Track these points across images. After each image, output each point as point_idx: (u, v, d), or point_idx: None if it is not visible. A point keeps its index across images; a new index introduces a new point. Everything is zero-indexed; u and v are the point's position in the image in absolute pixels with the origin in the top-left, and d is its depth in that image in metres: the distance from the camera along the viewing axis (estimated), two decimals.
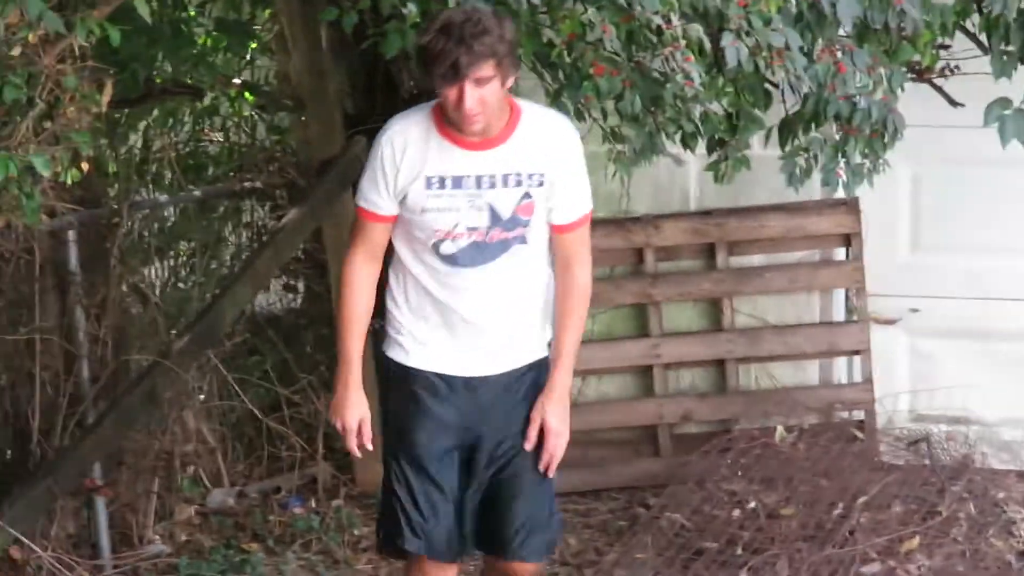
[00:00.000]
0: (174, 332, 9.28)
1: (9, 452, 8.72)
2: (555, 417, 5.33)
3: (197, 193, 10.18)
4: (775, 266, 10.75)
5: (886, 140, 8.17)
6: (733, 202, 10.51)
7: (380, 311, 5.95)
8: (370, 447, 5.07)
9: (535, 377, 5.23)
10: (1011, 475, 10.63)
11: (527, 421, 5.17)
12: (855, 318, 10.83)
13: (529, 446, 5.32)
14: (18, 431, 8.64)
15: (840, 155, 8.22)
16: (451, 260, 4.72)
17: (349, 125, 10.11)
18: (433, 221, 4.71)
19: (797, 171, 8.31)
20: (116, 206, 8.99)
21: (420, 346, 5.03)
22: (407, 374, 5.00)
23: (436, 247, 4.72)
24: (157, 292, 9.56)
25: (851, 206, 10.78)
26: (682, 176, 10.47)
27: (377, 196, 4.92)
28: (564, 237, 5.29)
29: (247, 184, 10.34)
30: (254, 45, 10.42)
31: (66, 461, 8.52)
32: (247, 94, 10.62)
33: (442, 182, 4.67)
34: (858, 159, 8.44)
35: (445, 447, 4.99)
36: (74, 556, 8.53)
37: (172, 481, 9.39)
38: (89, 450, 8.62)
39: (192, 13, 8.93)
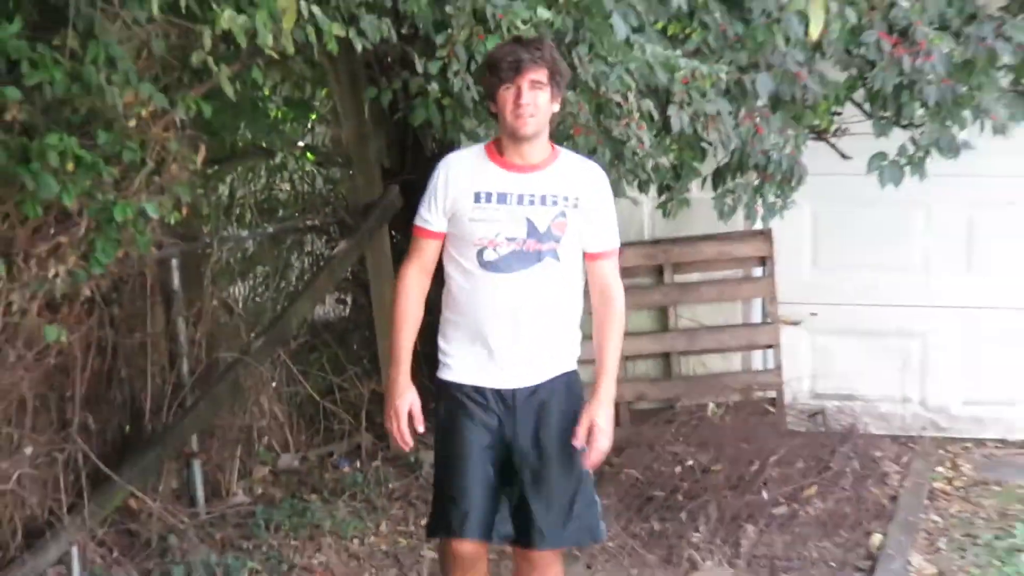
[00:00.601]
0: (253, 335, 9.47)
1: (128, 427, 8.78)
2: (603, 418, 5.12)
3: (270, 229, 10.37)
4: (708, 281, 11.03)
5: (793, 184, 8.55)
6: (677, 233, 10.72)
7: (432, 338, 5.71)
8: (420, 428, 4.92)
9: (566, 388, 5.02)
10: (886, 439, 10.89)
11: (563, 425, 4.95)
12: (768, 320, 11.09)
13: (579, 443, 5.09)
14: (134, 412, 8.72)
15: (758, 196, 8.55)
16: (492, 266, 4.61)
17: (385, 177, 10.26)
18: (478, 230, 4.62)
19: (726, 208, 8.74)
20: (208, 240, 9.17)
21: (460, 364, 4.88)
22: (450, 387, 4.87)
23: (480, 254, 4.60)
24: (240, 305, 9.77)
25: (766, 235, 11.00)
26: (638, 213, 10.56)
27: (429, 214, 4.83)
28: (598, 265, 5.13)
29: (308, 222, 10.61)
30: (314, 116, 10.51)
31: (170, 434, 8.71)
32: (308, 154, 10.81)
33: (488, 197, 4.61)
34: (772, 199, 8.77)
35: (482, 446, 4.82)
36: (176, 506, 8.76)
37: (251, 448, 9.60)
38: (187, 426, 8.86)
39: (267, 92, 8.97)
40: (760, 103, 8.29)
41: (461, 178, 4.80)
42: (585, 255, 5.10)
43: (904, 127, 8.92)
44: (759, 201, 8.83)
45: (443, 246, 4.88)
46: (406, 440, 4.91)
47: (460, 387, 4.85)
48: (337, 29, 6.72)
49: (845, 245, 11.11)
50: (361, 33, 6.90)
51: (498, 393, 4.82)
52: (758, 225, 9.35)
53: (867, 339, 11.34)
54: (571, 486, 4.87)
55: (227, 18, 6.26)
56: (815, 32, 6.39)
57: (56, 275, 7.05)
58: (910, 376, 11.47)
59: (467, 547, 4.90)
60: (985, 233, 11.22)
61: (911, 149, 8.86)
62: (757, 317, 11.31)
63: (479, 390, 4.80)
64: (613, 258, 5.24)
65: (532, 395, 4.85)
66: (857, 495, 9.53)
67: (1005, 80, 9.06)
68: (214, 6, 6.45)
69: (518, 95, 4.60)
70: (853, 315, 11.37)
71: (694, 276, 11.01)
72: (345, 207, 9.92)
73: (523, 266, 4.67)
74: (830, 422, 11.24)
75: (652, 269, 11.08)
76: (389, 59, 8.14)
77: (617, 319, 5.23)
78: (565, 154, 5.12)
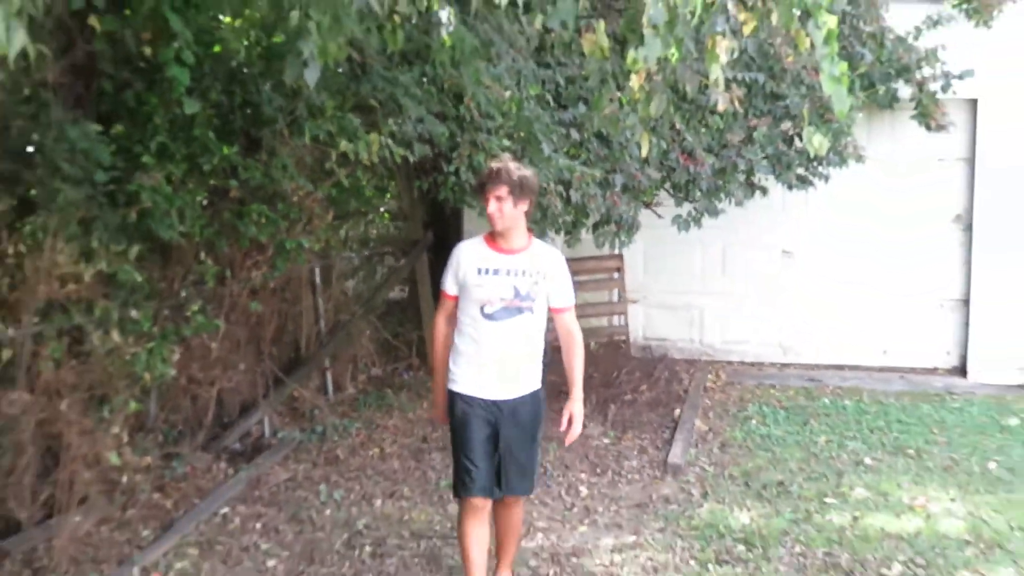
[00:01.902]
0: (357, 307, 9.97)
1: (292, 355, 9.17)
2: (577, 411, 5.17)
3: (365, 253, 10.77)
4: (591, 280, 11.25)
5: (633, 231, 8.74)
6: (576, 255, 10.05)
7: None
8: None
9: (532, 399, 5.01)
10: (682, 361, 11.30)
11: (529, 424, 5.01)
12: (621, 300, 11.47)
13: (563, 427, 5.14)
14: (296, 347, 9.20)
15: (615, 237, 8.65)
16: (490, 317, 4.63)
17: (424, 227, 10.66)
18: (480, 293, 4.63)
19: (599, 242, 8.71)
20: (334, 258, 9.55)
21: (465, 380, 4.87)
22: (458, 396, 4.86)
23: (482, 308, 4.63)
24: (350, 292, 10.18)
25: (620, 256, 11.17)
26: (556, 244, 10.04)
27: (449, 284, 4.89)
28: (561, 315, 5.07)
29: (385, 250, 11.01)
30: (388, 195, 10.72)
31: (314, 358, 9.34)
32: (386, 214, 11.15)
33: (486, 271, 4.63)
34: (623, 238, 8.79)
35: (481, 437, 4.85)
36: (318, 395, 9.39)
37: (356, 365, 9.99)
38: (323, 354, 9.46)
39: (364, 183, 9.12)
40: (617, 189, 8.42)
41: (468, 259, 4.86)
42: (552, 310, 5.07)
43: (690, 202, 9.20)
44: (616, 239, 8.82)
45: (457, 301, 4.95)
46: (444, 419, 5.11)
47: (463, 396, 4.87)
48: (400, 151, 7.14)
49: (660, 263, 11.76)
50: (413, 152, 7.32)
51: (492, 402, 4.85)
52: (616, 251, 9.53)
53: (672, 310, 11.98)
54: (529, 459, 4.97)
55: (343, 145, 6.97)
56: (644, 152, 6.72)
57: (255, 276, 7.78)
58: (694, 328, 12.04)
59: (477, 502, 4.98)
60: (732, 255, 11.83)
61: (694, 213, 9.26)
62: (615, 298, 11.58)
63: (477, 399, 4.85)
64: (571, 310, 5.19)
65: (513, 403, 4.89)
66: (667, 390, 9.97)
67: (742, 177, 9.23)
68: (336, 138, 7.04)
69: (487, 204, 4.74)
70: (664, 298, 11.95)
71: (584, 277, 10.90)
72: (404, 242, 10.18)
73: (509, 316, 4.75)
74: (653, 353, 11.47)
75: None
76: (427, 165, 8.22)
77: (578, 349, 5.24)
78: (536, 242, 5.12)
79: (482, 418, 4.86)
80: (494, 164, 4.78)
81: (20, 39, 3.15)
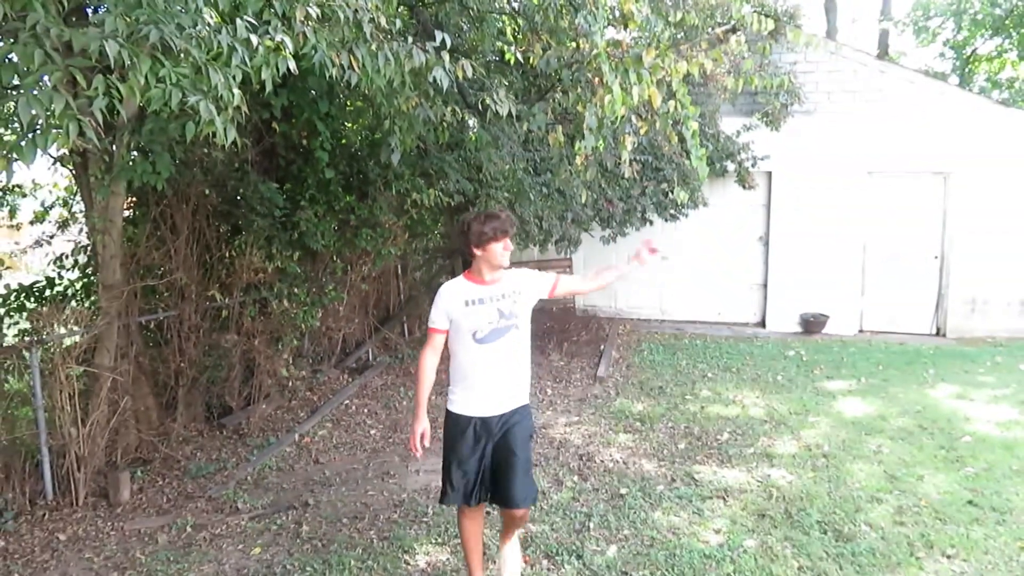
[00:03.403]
0: (421, 286, 9.40)
1: (384, 314, 8.86)
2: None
3: (427, 255, 9.73)
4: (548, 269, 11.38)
5: (576, 244, 8.54)
6: (542, 258, 10.40)
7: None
8: (427, 445, 3.49)
9: (524, 411, 3.50)
10: (605, 319, 10.67)
11: (523, 430, 3.47)
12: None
13: (647, 251, 3.78)
14: (386, 309, 8.94)
15: (567, 247, 8.49)
16: (482, 341, 3.33)
17: (448, 254, 10.99)
18: (469, 321, 3.33)
19: (558, 249, 8.47)
20: (408, 257, 9.03)
21: (460, 401, 3.43)
22: (453, 415, 3.44)
23: (473, 334, 3.32)
24: (417, 277, 9.51)
25: (570, 259, 10.65)
26: (529, 251, 10.32)
27: (437, 319, 3.38)
28: (561, 286, 3.69)
29: (437, 255, 9.72)
30: (440, 224, 10.20)
31: (396, 316, 9.06)
32: (438, 234, 10.27)
33: (472, 301, 3.35)
34: (572, 249, 8.75)
35: (473, 452, 3.41)
36: (399, 337, 9.02)
37: (420, 320, 9.27)
38: (402, 314, 9.15)
39: (426, 217, 8.32)
40: (568, 221, 8.20)
41: (454, 296, 3.37)
42: (551, 294, 3.65)
43: (609, 228, 9.05)
44: (567, 249, 8.68)
45: (448, 335, 3.41)
46: (416, 449, 3.50)
47: (459, 416, 3.44)
48: (446, 199, 6.98)
49: (592, 261, 10.91)
50: (452, 199, 7.11)
51: (483, 420, 3.42)
52: (567, 256, 9.66)
53: (600, 290, 11.80)
54: (526, 470, 3.42)
55: (415, 195, 6.85)
56: (583, 200, 6.73)
57: (364, 269, 7.61)
58: (612, 298, 11.34)
59: (467, 508, 3.56)
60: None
61: (611, 234, 9.16)
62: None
63: (470, 418, 3.43)
64: (559, 277, 3.71)
65: (507, 416, 3.44)
66: (596, 335, 9.61)
67: (639, 215, 9.14)
68: (410, 191, 6.91)
69: (504, 247, 3.38)
70: (610, 286, 11.93)
71: (547, 271, 10.61)
72: (447, 251, 9.51)
73: (499, 336, 3.38)
74: (589, 314, 10.88)
75: (535, 269, 11.09)
76: (461, 206, 7.65)
77: (600, 277, 3.84)
78: (509, 270, 3.56)
79: (475, 435, 3.45)
80: (503, 214, 3.45)
81: (232, 134, 3.18)
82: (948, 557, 3.93)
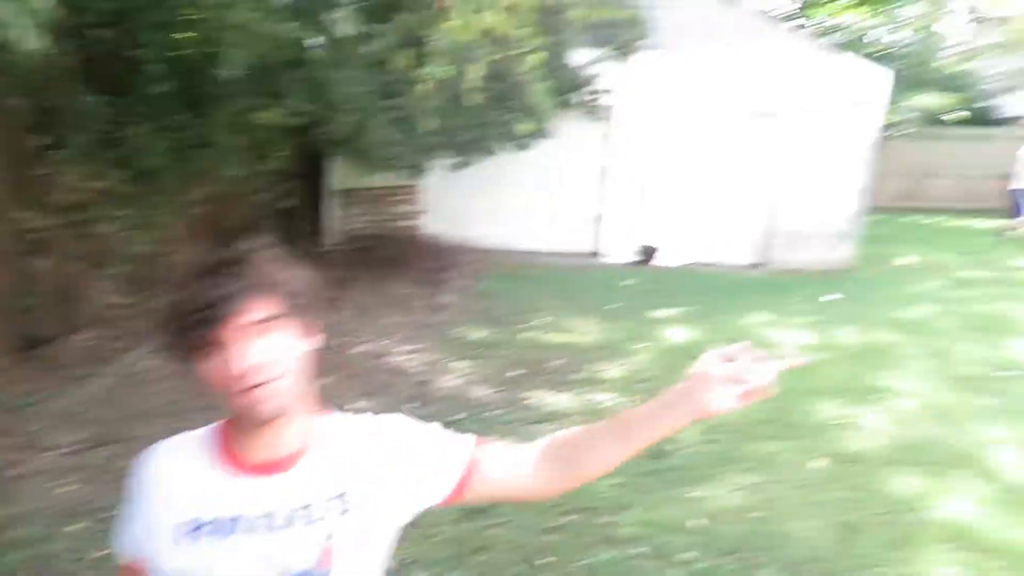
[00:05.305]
0: (268, 211, 9.06)
1: (227, 244, 8.98)
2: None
3: (272, 178, 9.46)
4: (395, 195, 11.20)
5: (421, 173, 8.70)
6: (382, 184, 9.85)
7: None
8: None
9: None
10: (446, 248, 10.21)
11: None
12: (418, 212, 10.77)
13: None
14: (227, 237, 8.66)
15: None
16: None
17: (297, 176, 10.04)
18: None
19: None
20: (252, 179, 8.39)
21: None
22: None
23: None
24: (263, 200, 8.78)
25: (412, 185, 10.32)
26: (369, 181, 9.85)
27: (123, 541, 1.31)
28: (476, 484, 1.37)
29: None
30: None
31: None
32: None
33: (200, 527, 1.20)
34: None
35: None
36: None
37: None
38: None
39: None
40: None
41: (152, 501, 1.26)
42: (453, 499, 1.40)
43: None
44: (414, 175, 8.71)
45: None
46: None
47: None
48: (288, 119, 6.60)
49: (443, 188, 10.57)
50: (294, 118, 6.63)
51: None
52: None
53: (451, 221, 10.97)
54: None
55: (257, 115, 6.51)
56: (430, 127, 7.08)
57: (202, 190, 7.43)
58: (458, 226, 10.96)
59: None
60: (480, 188, 10.45)
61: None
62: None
63: None
64: (486, 455, 1.44)
65: None
66: (441, 263, 9.46)
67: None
68: (251, 111, 6.61)
69: (238, 352, 1.16)
70: (455, 215, 10.85)
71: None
72: (299, 172, 9.79)
73: None
74: (433, 242, 10.57)
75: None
76: (307, 127, 7.24)
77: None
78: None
79: None
80: (228, 266, 1.25)
81: (41, 41, 2.99)
82: (746, 470, 4.40)
